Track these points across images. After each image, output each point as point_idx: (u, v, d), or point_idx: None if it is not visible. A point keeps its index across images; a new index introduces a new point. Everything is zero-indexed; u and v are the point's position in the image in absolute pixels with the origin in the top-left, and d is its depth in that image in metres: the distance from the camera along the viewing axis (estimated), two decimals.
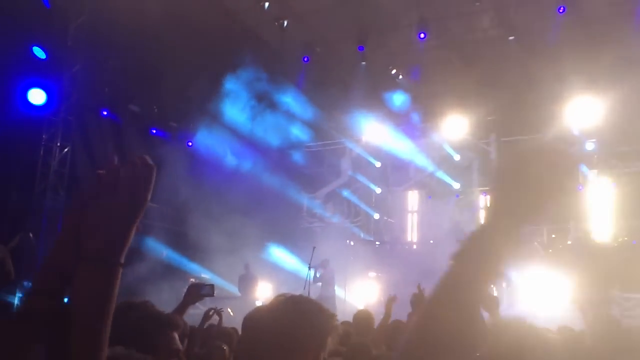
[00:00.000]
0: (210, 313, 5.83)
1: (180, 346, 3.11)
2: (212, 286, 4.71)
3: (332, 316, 2.20)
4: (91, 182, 1.20)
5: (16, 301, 11.43)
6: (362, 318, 5.93)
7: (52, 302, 1.15)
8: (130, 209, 1.16)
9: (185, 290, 4.84)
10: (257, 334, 2.12)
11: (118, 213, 1.14)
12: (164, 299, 10.35)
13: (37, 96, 13.59)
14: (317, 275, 14.87)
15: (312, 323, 2.08)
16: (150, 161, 1.24)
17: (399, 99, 18.03)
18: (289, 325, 2.04)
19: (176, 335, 3.07)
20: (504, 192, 1.23)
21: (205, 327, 5.73)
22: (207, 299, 4.82)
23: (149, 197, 1.20)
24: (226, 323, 6.82)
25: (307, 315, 2.10)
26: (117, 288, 1.13)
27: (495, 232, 1.20)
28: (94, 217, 1.14)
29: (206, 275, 15.87)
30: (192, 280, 15.68)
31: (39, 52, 13.51)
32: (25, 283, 12.21)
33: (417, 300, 5.32)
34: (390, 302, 5.99)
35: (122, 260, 1.14)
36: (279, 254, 17.02)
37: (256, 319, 2.19)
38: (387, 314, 5.85)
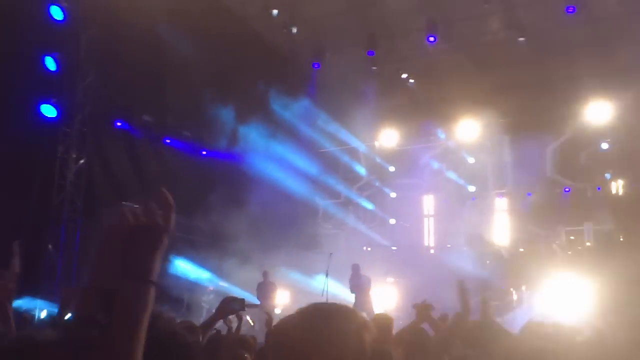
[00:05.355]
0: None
1: None
2: (242, 300, 4.62)
3: (360, 321, 2.19)
4: (115, 219, 1.46)
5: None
6: (382, 322, 5.12)
7: (95, 331, 1.35)
8: (153, 242, 1.44)
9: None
10: (285, 344, 2.13)
11: (144, 247, 1.43)
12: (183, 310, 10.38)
13: (49, 109, 13.72)
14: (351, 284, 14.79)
15: (332, 328, 2.08)
16: (169, 200, 1.46)
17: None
18: (310, 333, 2.04)
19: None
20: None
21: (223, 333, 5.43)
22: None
23: (170, 229, 1.45)
24: (247, 332, 6.78)
25: (328, 321, 2.10)
26: (152, 302, 1.41)
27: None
28: (127, 249, 1.42)
29: (224, 284, 15.86)
30: (211, 289, 15.72)
31: (50, 64, 13.60)
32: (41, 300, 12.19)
33: (421, 310, 4.94)
34: (423, 308, 5.14)
35: (154, 279, 1.43)
36: (294, 261, 16.98)
37: (283, 330, 2.19)
38: (420, 319, 5.16)
